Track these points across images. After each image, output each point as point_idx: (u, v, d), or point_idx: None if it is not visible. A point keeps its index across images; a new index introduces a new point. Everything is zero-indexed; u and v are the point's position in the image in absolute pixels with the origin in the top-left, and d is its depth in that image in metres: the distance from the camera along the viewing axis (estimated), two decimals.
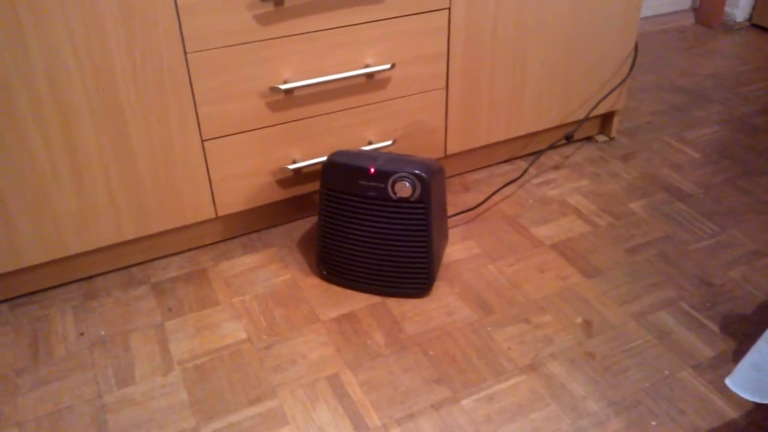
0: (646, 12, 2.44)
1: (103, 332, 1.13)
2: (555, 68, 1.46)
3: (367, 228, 1.15)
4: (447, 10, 1.27)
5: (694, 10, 2.48)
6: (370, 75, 1.26)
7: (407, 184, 1.11)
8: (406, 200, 1.12)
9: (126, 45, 1.04)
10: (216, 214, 1.26)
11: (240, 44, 1.12)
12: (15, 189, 1.07)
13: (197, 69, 1.11)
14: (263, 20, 1.12)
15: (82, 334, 1.13)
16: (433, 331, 1.13)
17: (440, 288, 1.22)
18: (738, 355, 1.08)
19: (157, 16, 1.04)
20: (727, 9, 2.36)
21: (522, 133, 1.50)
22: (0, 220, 1.08)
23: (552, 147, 1.63)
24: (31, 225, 1.10)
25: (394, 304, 1.18)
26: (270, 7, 1.12)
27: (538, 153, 1.61)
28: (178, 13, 1.05)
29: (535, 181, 1.52)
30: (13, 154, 1.04)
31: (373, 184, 1.13)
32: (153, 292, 1.22)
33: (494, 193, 1.44)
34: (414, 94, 1.33)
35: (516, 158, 1.60)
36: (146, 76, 1.07)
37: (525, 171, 1.49)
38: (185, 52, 1.09)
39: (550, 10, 1.38)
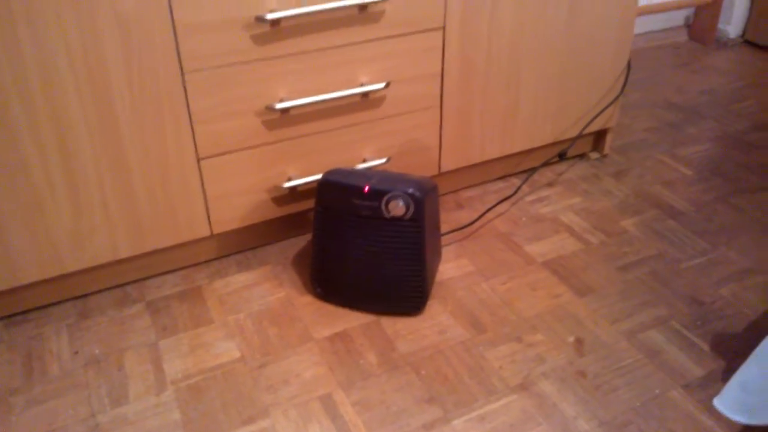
0: (640, 29, 2.46)
1: (97, 351, 1.14)
2: (548, 87, 1.47)
3: (361, 246, 1.16)
4: (441, 30, 1.28)
5: (688, 26, 2.50)
6: (365, 94, 1.27)
7: (401, 203, 1.12)
8: (399, 219, 1.13)
9: (123, 64, 1.05)
10: (211, 231, 1.26)
11: (236, 64, 1.13)
12: (11, 207, 1.08)
13: (194, 88, 1.12)
14: (260, 40, 1.13)
15: (76, 352, 1.14)
16: (425, 349, 1.14)
17: (433, 306, 1.23)
18: (727, 374, 1.09)
19: (155, 35, 1.05)
20: (720, 26, 2.38)
21: (516, 150, 1.52)
22: None
23: (545, 164, 1.64)
24: (26, 243, 1.11)
25: (387, 322, 1.19)
26: (266, 28, 1.13)
27: (532, 170, 1.62)
28: (175, 33, 1.07)
29: (529, 198, 1.53)
30: (10, 172, 1.05)
31: (367, 202, 1.14)
32: (147, 310, 1.22)
33: (488, 210, 1.45)
34: (409, 113, 1.34)
35: (510, 175, 1.61)
36: (143, 95, 1.09)
37: (518, 188, 1.50)
38: (182, 72, 1.10)
39: (544, 30, 1.40)
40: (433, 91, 1.34)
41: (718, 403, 0.91)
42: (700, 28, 2.40)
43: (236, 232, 1.34)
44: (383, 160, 1.35)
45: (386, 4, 1.20)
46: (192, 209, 1.22)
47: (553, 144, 1.61)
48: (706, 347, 1.14)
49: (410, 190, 1.12)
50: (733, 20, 2.36)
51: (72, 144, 1.07)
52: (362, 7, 1.18)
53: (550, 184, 1.58)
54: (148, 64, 1.07)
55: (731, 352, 1.13)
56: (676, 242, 1.39)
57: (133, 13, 1.02)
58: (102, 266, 1.25)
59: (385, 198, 1.12)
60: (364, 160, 1.35)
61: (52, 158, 1.07)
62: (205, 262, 1.34)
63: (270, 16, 1.09)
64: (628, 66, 1.56)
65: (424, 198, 1.13)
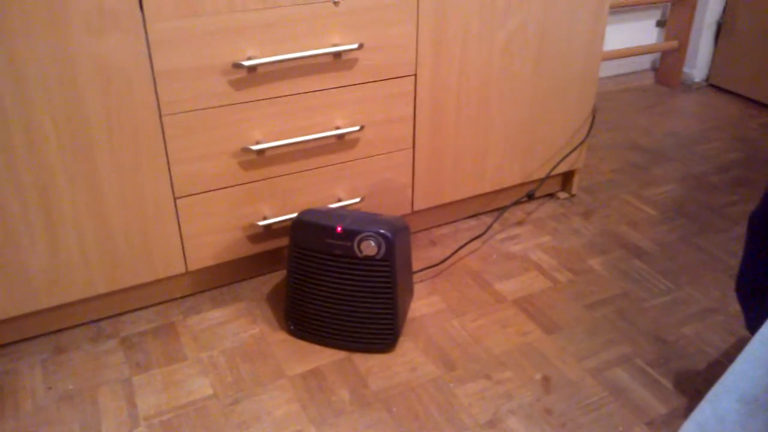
0: (609, 72, 2.55)
1: (71, 386, 1.14)
2: (517, 130, 1.53)
3: (334, 285, 1.19)
4: (413, 77, 1.33)
5: (655, 70, 2.60)
6: (339, 136, 1.31)
7: (372, 243, 1.15)
8: (371, 258, 1.16)
9: (102, 106, 1.08)
10: (186, 268, 1.28)
11: (214, 107, 1.17)
12: None
13: (172, 131, 1.15)
14: (237, 85, 1.17)
15: (50, 388, 1.14)
16: (396, 387, 1.16)
17: (405, 343, 1.25)
18: (690, 411, 1.12)
19: (134, 80, 1.08)
20: (685, 69, 2.48)
21: (486, 190, 1.56)
22: None
23: (516, 203, 1.69)
24: (2, 279, 1.12)
25: (360, 359, 1.21)
26: (243, 74, 1.17)
27: (503, 209, 1.66)
28: (154, 78, 1.10)
29: (499, 236, 1.57)
30: None
31: (340, 242, 1.17)
32: (122, 346, 1.23)
33: (460, 248, 1.49)
34: (382, 154, 1.38)
35: (481, 213, 1.65)
36: (122, 136, 1.11)
37: (489, 227, 1.54)
38: (160, 115, 1.13)
39: (512, 76, 1.45)
40: (406, 134, 1.38)
41: None
42: (667, 72, 2.49)
43: (211, 269, 1.36)
44: (357, 200, 1.38)
45: (359, 53, 1.25)
46: (168, 247, 1.24)
47: (523, 184, 1.66)
48: (669, 385, 1.18)
49: (382, 231, 1.15)
50: (698, 64, 2.45)
51: (49, 182, 1.09)
52: (336, 55, 1.23)
53: (520, 223, 1.63)
54: (127, 108, 1.10)
55: (693, 390, 1.17)
56: (641, 281, 1.44)
57: (113, 60, 1.06)
58: (77, 302, 1.26)
59: (358, 238, 1.16)
60: (339, 200, 1.38)
61: (30, 196, 1.09)
62: (180, 298, 1.35)
63: (247, 63, 1.14)
64: (593, 112, 1.62)
65: (395, 238, 1.16)
